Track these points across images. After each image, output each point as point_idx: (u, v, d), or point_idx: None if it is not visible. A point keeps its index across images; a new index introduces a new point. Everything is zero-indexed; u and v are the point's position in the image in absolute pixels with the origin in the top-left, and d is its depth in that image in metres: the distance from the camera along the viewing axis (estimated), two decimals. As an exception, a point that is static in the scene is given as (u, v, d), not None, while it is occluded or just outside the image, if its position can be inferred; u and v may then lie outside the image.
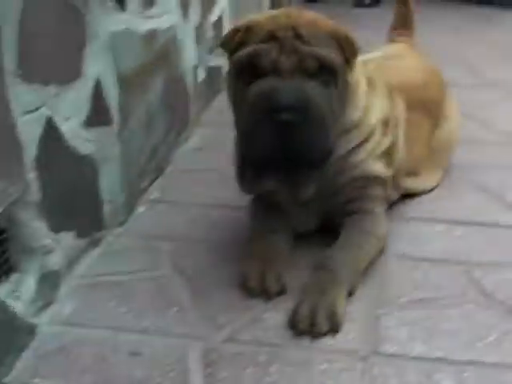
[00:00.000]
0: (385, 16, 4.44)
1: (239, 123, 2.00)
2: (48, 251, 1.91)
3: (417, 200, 2.44)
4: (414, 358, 1.74)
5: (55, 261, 1.95)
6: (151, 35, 2.54)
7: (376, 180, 2.16)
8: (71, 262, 2.05)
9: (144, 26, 2.49)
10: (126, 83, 2.32)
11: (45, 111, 1.86)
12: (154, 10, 2.56)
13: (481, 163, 2.70)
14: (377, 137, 2.15)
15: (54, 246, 1.93)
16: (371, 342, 1.79)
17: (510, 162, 2.72)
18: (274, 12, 2.04)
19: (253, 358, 1.75)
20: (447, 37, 3.41)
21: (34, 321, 1.85)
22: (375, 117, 2.15)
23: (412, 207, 2.40)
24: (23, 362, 1.75)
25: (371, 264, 2.05)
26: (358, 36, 2.02)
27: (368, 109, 2.13)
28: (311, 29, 1.94)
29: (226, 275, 2.06)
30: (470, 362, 1.72)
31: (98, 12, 2.12)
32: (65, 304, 1.96)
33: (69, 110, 1.99)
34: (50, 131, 1.90)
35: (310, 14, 2.00)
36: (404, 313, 1.89)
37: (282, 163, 1.94)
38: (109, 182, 2.24)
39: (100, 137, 2.17)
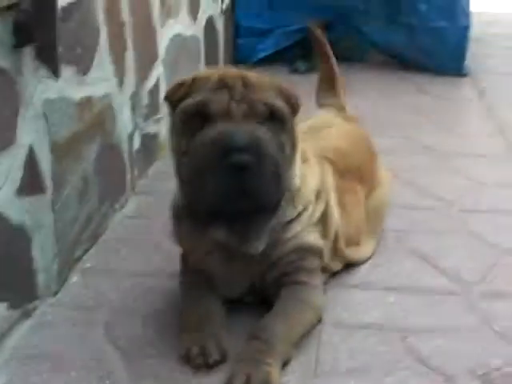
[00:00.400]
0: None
1: (185, 173, 1.97)
2: (-21, 324, 1.87)
3: (352, 267, 2.43)
4: (351, 428, 1.73)
5: (-14, 333, 1.91)
6: (86, 103, 2.53)
7: (311, 251, 2.15)
8: (3, 333, 2.00)
9: (79, 93, 2.47)
10: (59, 151, 2.29)
11: (-24, 180, 1.84)
12: (89, 78, 2.55)
13: (415, 229, 2.72)
14: (311, 208, 2.16)
15: (-16, 318, 1.89)
16: (308, 412, 1.78)
17: (444, 227, 2.75)
18: (218, 68, 2.07)
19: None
20: (379, 103, 3.45)
21: (-36, 396, 1.80)
22: (311, 188, 2.16)
23: (347, 274, 2.40)
24: None
25: (306, 334, 2.03)
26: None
27: (304, 179, 2.14)
28: (259, 79, 1.99)
29: (161, 345, 2.03)
30: (407, 430, 1.72)
31: (31, 79, 2.11)
32: (-3, 377, 1.91)
33: (1, 178, 1.96)
34: (-18, 201, 1.87)
35: (252, 71, 2.05)
36: (340, 381, 1.88)
37: (233, 211, 1.92)
38: (42, 252, 2.20)
39: (33, 205, 2.14)
